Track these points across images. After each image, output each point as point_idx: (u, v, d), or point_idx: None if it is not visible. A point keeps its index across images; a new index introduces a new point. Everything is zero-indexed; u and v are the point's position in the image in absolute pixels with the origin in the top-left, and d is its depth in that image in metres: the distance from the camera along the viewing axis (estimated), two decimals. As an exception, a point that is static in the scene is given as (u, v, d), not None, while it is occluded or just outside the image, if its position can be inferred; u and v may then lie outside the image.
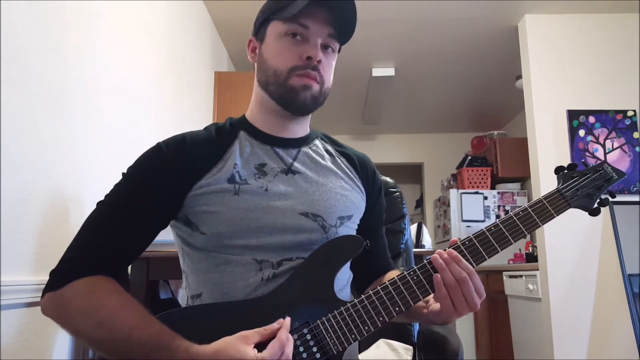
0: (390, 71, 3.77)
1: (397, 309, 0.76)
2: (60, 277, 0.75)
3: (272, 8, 0.86)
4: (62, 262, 0.77)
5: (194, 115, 2.75)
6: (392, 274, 0.97)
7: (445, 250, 0.78)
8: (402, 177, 5.91)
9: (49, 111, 1.31)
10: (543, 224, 0.81)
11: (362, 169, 0.97)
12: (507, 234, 0.79)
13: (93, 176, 1.53)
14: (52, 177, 1.33)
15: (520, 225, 0.80)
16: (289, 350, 0.68)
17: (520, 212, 0.81)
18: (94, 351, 1.48)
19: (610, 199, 0.87)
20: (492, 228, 0.79)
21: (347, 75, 3.85)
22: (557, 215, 0.81)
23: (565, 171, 0.87)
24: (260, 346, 0.67)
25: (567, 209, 0.83)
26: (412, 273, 0.78)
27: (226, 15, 3.02)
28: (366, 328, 0.75)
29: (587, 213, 0.85)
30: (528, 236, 4.01)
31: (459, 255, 0.76)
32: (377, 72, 3.76)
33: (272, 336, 0.69)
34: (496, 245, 0.78)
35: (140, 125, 1.95)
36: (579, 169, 0.88)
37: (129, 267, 1.57)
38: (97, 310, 0.71)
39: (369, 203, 0.96)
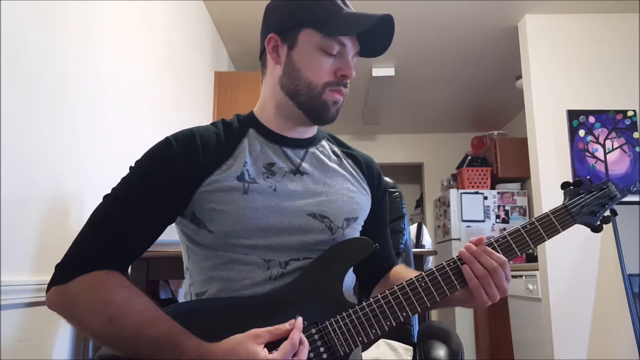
0: (390, 71, 3.77)
1: (404, 314, 0.77)
2: (67, 270, 0.74)
3: (309, 16, 0.84)
4: (68, 256, 0.76)
5: (194, 115, 2.75)
6: (398, 269, 0.99)
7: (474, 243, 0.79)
8: (402, 177, 5.91)
9: (49, 111, 1.31)
10: (549, 238, 0.82)
11: (368, 170, 0.98)
12: (514, 246, 0.80)
13: (93, 176, 1.53)
14: (52, 177, 1.33)
15: (528, 239, 0.81)
16: (304, 355, 0.68)
17: (528, 225, 0.82)
18: (95, 350, 1.48)
19: (612, 216, 0.89)
20: (500, 240, 0.81)
21: (347, 75, 3.84)
22: (563, 230, 0.83)
23: (572, 187, 0.89)
24: (271, 345, 0.67)
25: (572, 225, 0.84)
26: (420, 279, 0.78)
27: (226, 16, 3.02)
28: (373, 331, 0.76)
29: (589, 229, 0.87)
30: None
31: (490, 249, 0.78)
32: (377, 72, 3.76)
33: (284, 336, 0.69)
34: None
35: (140, 125, 1.95)
36: (585, 185, 0.90)
37: (129, 267, 1.57)
38: (106, 306, 0.71)
39: (374, 204, 0.97)
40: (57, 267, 0.76)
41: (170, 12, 2.32)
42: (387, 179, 1.39)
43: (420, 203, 5.95)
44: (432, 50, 3.50)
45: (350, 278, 0.89)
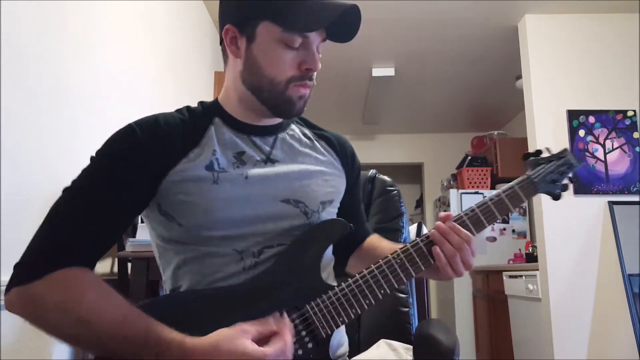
0: (390, 71, 3.77)
1: (382, 291, 0.78)
2: (30, 270, 0.69)
3: (267, 7, 0.78)
4: (29, 255, 0.71)
5: (194, 115, 2.75)
6: (371, 240, 1.00)
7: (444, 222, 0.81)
8: (402, 177, 5.91)
9: (49, 111, 1.31)
10: (515, 209, 0.86)
11: (342, 150, 0.96)
12: (482, 218, 0.83)
13: (93, 176, 1.53)
14: (52, 177, 1.33)
15: (495, 210, 0.84)
16: (290, 353, 0.68)
17: (495, 197, 0.85)
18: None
19: (570, 184, 0.93)
20: (469, 213, 0.83)
21: (347, 75, 3.85)
22: (527, 199, 0.87)
23: (532, 158, 0.92)
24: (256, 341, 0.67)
25: (535, 194, 0.88)
26: (395, 257, 0.80)
27: (226, 15, 3.02)
28: (354, 311, 0.77)
29: (551, 198, 0.91)
30: (528, 236, 4.00)
31: (458, 226, 0.80)
32: (377, 72, 3.76)
33: (270, 331, 0.69)
34: (472, 229, 0.82)
35: (140, 125, 1.95)
36: (544, 154, 0.93)
37: (129, 267, 1.57)
38: (76, 305, 0.66)
39: (349, 183, 0.96)
40: (17, 266, 0.70)
41: (170, 12, 2.32)
42: (385, 177, 1.39)
43: (420, 203, 5.95)
44: (432, 50, 3.50)
45: (327, 258, 0.88)
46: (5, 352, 1.12)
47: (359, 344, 1.13)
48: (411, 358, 1.05)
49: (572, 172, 0.92)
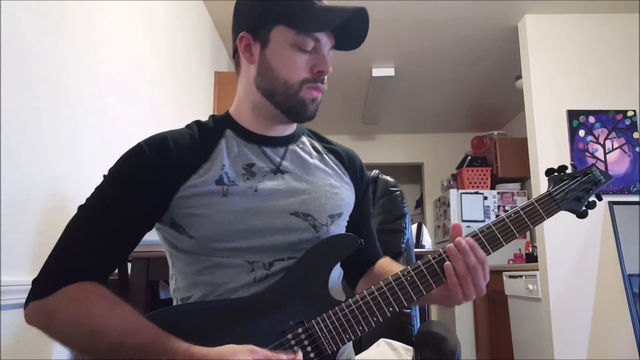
0: (390, 71, 3.77)
1: (390, 309, 0.76)
2: (45, 285, 0.72)
3: (281, 12, 0.81)
4: (45, 270, 0.74)
5: (194, 115, 2.75)
6: (382, 263, 0.98)
7: (464, 237, 0.77)
8: (402, 177, 5.90)
9: (49, 111, 1.31)
10: (534, 227, 0.82)
11: (350, 164, 0.96)
12: (499, 236, 0.79)
13: (93, 176, 1.53)
14: (52, 177, 1.33)
15: (512, 228, 0.80)
16: None
17: (512, 215, 0.81)
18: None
19: (598, 201, 0.88)
20: (485, 230, 0.80)
21: (347, 75, 3.85)
22: (547, 218, 0.82)
23: (556, 174, 0.88)
24: None
25: (557, 212, 0.83)
26: (406, 274, 0.77)
27: (226, 16, 3.02)
28: (360, 328, 0.75)
29: (575, 216, 0.86)
30: (528, 236, 4.00)
31: (477, 245, 0.77)
32: (377, 72, 3.76)
33: None
34: (489, 247, 0.79)
35: (140, 125, 1.94)
36: (569, 170, 0.89)
37: (129, 267, 1.57)
38: (87, 319, 0.69)
39: (358, 198, 0.96)
40: (35, 281, 0.74)
41: (170, 12, 2.32)
42: (388, 178, 1.39)
43: (420, 203, 5.95)
44: (432, 50, 3.50)
45: (335, 273, 0.87)
46: (5, 352, 1.12)
47: (360, 346, 1.13)
48: (411, 358, 1.05)
49: (598, 189, 0.86)
